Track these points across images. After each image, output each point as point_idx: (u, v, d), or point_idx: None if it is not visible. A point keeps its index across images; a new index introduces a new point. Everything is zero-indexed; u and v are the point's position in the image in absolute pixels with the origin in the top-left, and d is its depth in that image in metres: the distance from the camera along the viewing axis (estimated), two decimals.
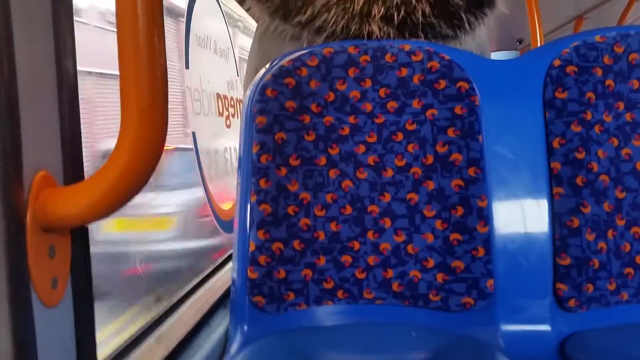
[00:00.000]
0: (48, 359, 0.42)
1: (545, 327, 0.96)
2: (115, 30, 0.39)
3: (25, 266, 0.40)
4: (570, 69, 1.02)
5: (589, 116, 1.01)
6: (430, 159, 1.01)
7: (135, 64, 0.38)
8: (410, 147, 1.02)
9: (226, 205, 1.67)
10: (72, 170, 0.45)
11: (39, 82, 0.42)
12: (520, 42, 4.40)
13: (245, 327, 0.96)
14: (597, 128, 1.02)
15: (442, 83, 1.02)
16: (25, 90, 0.40)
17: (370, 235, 1.00)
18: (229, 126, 1.81)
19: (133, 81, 0.39)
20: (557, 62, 1.03)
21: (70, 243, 0.45)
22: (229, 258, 1.17)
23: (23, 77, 0.40)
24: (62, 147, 0.44)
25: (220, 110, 1.74)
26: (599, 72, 1.03)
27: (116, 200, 0.41)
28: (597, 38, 1.04)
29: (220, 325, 1.01)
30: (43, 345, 0.42)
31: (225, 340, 0.98)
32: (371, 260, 0.99)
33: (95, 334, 0.50)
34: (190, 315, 1.00)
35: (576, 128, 1.01)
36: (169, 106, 0.41)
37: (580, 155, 1.00)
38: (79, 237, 0.46)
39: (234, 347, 0.92)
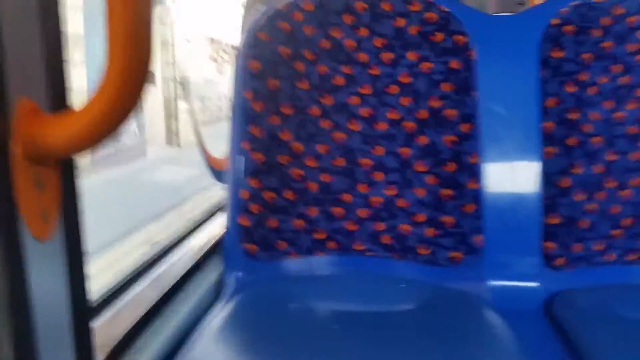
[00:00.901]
0: (40, 292, 0.42)
1: (533, 284, 0.98)
2: None
3: (13, 198, 0.39)
4: (567, 28, 1.01)
5: (584, 77, 1.00)
6: (423, 114, 1.00)
7: None
8: (404, 101, 1.01)
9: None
10: (58, 99, 0.44)
11: (20, 7, 0.41)
12: (521, 4, 4.31)
13: (239, 274, 0.97)
14: (591, 89, 1.01)
15: (439, 35, 1.00)
16: (7, 16, 0.38)
17: (361, 188, 1.00)
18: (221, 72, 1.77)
19: (119, 11, 0.37)
20: (555, 21, 1.01)
21: (58, 176, 0.44)
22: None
23: (6, 2, 0.38)
24: (47, 75, 0.43)
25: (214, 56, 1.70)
26: (596, 33, 1.01)
27: (104, 130, 0.40)
28: None
29: (213, 271, 1.03)
30: (35, 280, 0.41)
31: (219, 286, 0.99)
32: (362, 212, 1.00)
33: (84, 267, 0.50)
34: (184, 261, 1.01)
35: (571, 88, 1.00)
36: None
37: (574, 116, 1.00)
38: (68, 170, 0.46)
39: (227, 292, 0.93)
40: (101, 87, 0.39)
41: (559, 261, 0.98)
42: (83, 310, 0.49)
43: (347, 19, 1.01)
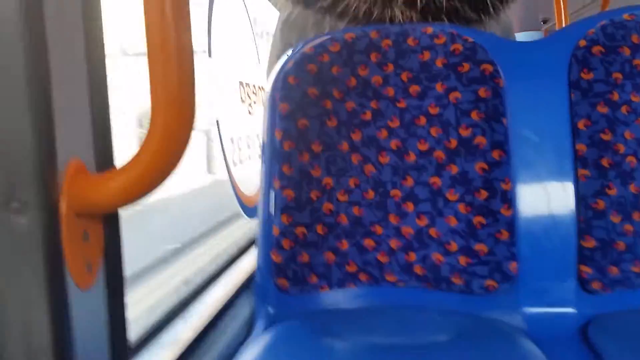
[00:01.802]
0: (83, 340, 0.44)
1: (569, 310, 0.96)
2: None
3: (60, 251, 0.41)
4: (596, 49, 1.00)
5: (615, 97, 1.00)
6: (453, 143, 1.00)
7: (163, 52, 0.39)
8: (433, 131, 1.02)
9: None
10: (104, 157, 0.46)
11: (70, 73, 0.44)
12: (545, 22, 4.31)
13: (270, 309, 0.98)
14: (624, 109, 1.00)
15: (466, 66, 1.02)
16: (58, 81, 0.41)
17: (392, 219, 1.01)
18: (250, 113, 1.83)
19: (161, 69, 0.40)
20: (582, 43, 1.01)
21: (102, 228, 0.47)
22: (253, 243, 1.19)
23: (54, 65, 0.41)
24: (94, 136, 0.45)
25: (243, 98, 1.75)
26: (626, 51, 1.00)
27: (146, 186, 0.42)
28: (626, 16, 1.02)
29: (244, 307, 1.04)
30: (78, 327, 0.43)
31: (251, 321, 1.00)
32: (393, 244, 1.00)
33: (125, 314, 0.52)
34: (216, 298, 1.03)
35: (602, 109, 0.99)
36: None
37: (607, 137, 0.99)
38: (111, 222, 0.48)
39: (258, 327, 0.94)
40: (144, 146, 0.41)
41: (595, 285, 0.96)
42: (124, 356, 0.50)
43: (373, 57, 1.04)
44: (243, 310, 1.03)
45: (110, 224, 0.48)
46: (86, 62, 0.45)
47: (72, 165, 0.42)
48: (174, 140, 0.41)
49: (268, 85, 1.06)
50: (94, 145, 0.45)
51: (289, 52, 1.06)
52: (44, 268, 0.40)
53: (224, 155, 1.51)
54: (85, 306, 0.45)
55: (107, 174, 0.44)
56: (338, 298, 0.99)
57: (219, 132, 1.49)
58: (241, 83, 1.72)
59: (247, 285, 1.11)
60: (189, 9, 0.40)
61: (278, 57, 1.10)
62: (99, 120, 0.46)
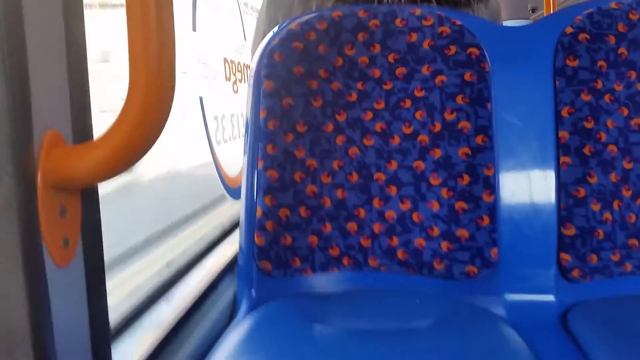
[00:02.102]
0: (61, 318, 0.43)
1: (549, 297, 0.97)
2: None
3: (37, 225, 0.40)
4: (582, 36, 1.00)
5: (599, 85, 1.00)
6: (437, 127, 1.00)
7: (143, 22, 0.38)
8: (418, 114, 1.01)
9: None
10: (81, 129, 0.45)
11: (47, 43, 0.42)
12: (533, 11, 4.31)
13: (253, 292, 0.97)
14: (607, 97, 1.00)
15: (453, 49, 1.01)
16: (34, 51, 0.40)
17: (376, 202, 1.00)
18: (236, 91, 1.80)
19: (140, 38, 0.38)
20: (569, 30, 1.01)
21: (80, 203, 0.45)
22: (237, 225, 1.18)
23: (31, 37, 0.40)
24: (71, 107, 0.44)
25: (228, 75, 1.72)
26: (612, 39, 1.01)
27: (125, 159, 0.41)
28: (613, 5, 1.02)
29: (227, 289, 1.03)
30: (56, 304, 0.42)
31: (234, 304, 0.99)
32: (376, 228, 1.00)
33: (105, 292, 0.51)
34: (199, 280, 1.02)
35: (586, 97, 1.00)
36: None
37: (589, 125, 0.99)
38: (89, 197, 0.47)
39: (242, 310, 0.94)
40: (122, 117, 0.40)
41: (575, 273, 0.97)
42: (104, 335, 0.50)
43: (360, 36, 1.02)
44: (226, 293, 1.03)
45: (89, 199, 0.47)
46: (64, 32, 0.44)
47: (48, 137, 0.41)
48: (153, 111, 0.39)
49: (253, 63, 1.04)
50: (72, 117, 0.44)
51: (275, 29, 1.04)
52: (20, 242, 0.39)
53: (207, 134, 1.49)
54: (63, 283, 0.44)
55: (85, 146, 0.43)
56: (321, 282, 0.99)
57: (202, 110, 1.47)
58: (225, 60, 1.70)
59: (229, 268, 1.10)
60: None
61: (264, 34, 1.08)
62: (77, 91, 0.44)
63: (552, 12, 2.61)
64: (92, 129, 0.47)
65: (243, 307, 0.95)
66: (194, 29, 1.46)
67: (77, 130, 0.45)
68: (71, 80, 0.44)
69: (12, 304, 0.40)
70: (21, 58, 0.39)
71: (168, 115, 0.41)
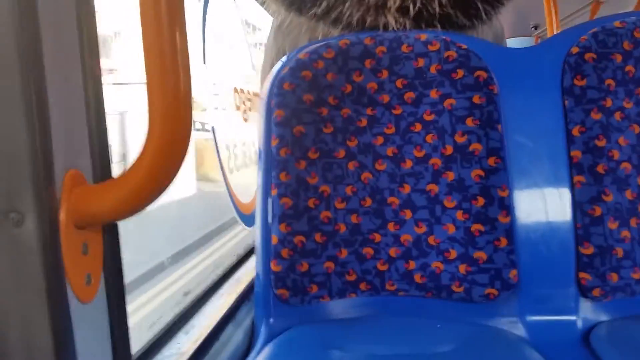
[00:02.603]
0: (85, 353, 0.44)
1: (570, 317, 0.96)
2: None
3: (61, 263, 0.41)
4: (588, 55, 1.01)
5: (609, 103, 1.00)
6: (449, 150, 1.01)
7: (160, 65, 0.39)
8: (429, 138, 1.02)
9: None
10: (101, 168, 0.46)
11: (66, 85, 0.44)
12: (535, 28, 4.34)
13: (271, 320, 0.97)
14: (617, 115, 1.00)
15: (460, 72, 1.02)
16: (54, 93, 0.41)
17: (390, 227, 1.00)
18: (246, 120, 1.82)
19: (158, 81, 0.40)
20: (575, 50, 1.02)
21: (102, 239, 0.46)
22: (252, 252, 1.19)
23: (51, 80, 0.41)
24: (91, 147, 0.45)
25: (238, 104, 1.75)
26: (618, 58, 1.01)
27: (145, 197, 0.42)
28: (617, 24, 1.03)
29: (246, 318, 1.03)
30: (80, 340, 0.43)
31: (252, 333, 0.99)
32: (392, 252, 1.00)
33: (127, 326, 0.51)
34: (216, 309, 1.02)
35: (596, 115, 1.00)
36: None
37: (601, 143, 0.99)
38: (110, 233, 0.47)
39: (260, 339, 0.94)
40: (142, 156, 0.41)
41: (596, 292, 0.96)
42: None
43: (368, 63, 1.04)
44: (244, 322, 1.02)
45: (110, 236, 0.47)
46: (82, 74, 0.45)
47: (70, 176, 0.42)
48: (171, 150, 0.40)
49: (263, 92, 1.06)
50: (91, 156, 0.45)
51: (283, 58, 1.06)
52: (44, 280, 0.40)
53: (220, 162, 1.50)
54: (87, 319, 0.45)
55: (105, 184, 0.44)
56: (339, 308, 0.99)
57: (215, 139, 1.49)
58: (235, 89, 1.72)
59: (246, 296, 1.10)
60: (184, 19, 0.40)
61: (272, 64, 1.10)
62: (96, 131, 0.46)
63: (555, 29, 2.62)
64: (110, 167, 0.48)
65: (262, 336, 0.94)
66: (204, 62, 1.49)
67: (97, 169, 0.46)
68: (90, 120, 0.45)
69: (38, 340, 0.40)
70: (42, 100, 0.40)
71: (186, 152, 0.42)
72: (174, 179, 0.42)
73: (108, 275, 0.47)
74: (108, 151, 0.47)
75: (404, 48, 1.04)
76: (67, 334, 0.41)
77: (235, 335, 0.97)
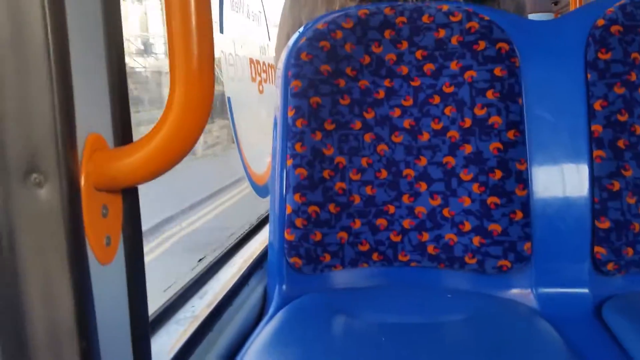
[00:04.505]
0: (104, 313, 0.45)
1: (582, 290, 0.96)
2: None
3: (81, 225, 0.42)
4: (615, 28, 0.99)
5: (633, 77, 0.98)
6: (468, 122, 1.00)
7: (182, 27, 0.39)
8: (447, 110, 1.01)
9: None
10: (122, 132, 0.46)
11: (88, 50, 0.44)
12: (555, 4, 4.22)
13: (283, 287, 0.98)
14: None
15: (482, 44, 1.00)
16: (77, 59, 0.41)
17: (405, 199, 1.00)
18: (261, 91, 1.82)
19: (181, 45, 0.40)
20: (600, 22, 0.99)
21: (121, 203, 0.47)
22: (266, 220, 1.20)
23: (74, 45, 0.41)
24: (112, 111, 0.45)
25: (253, 76, 1.74)
26: None
27: (165, 161, 0.42)
28: None
29: (258, 285, 1.05)
30: (99, 300, 0.44)
31: (264, 300, 1.01)
32: (406, 223, 1.00)
33: (145, 289, 0.52)
34: (231, 276, 1.04)
35: (619, 90, 0.98)
36: None
37: (623, 118, 0.97)
38: (130, 197, 0.48)
39: (273, 305, 0.95)
40: (162, 120, 0.41)
41: (610, 266, 0.96)
42: (144, 330, 0.51)
43: (387, 34, 1.02)
44: (257, 288, 1.04)
45: (129, 199, 0.48)
46: (104, 39, 0.45)
47: (91, 140, 0.43)
48: (192, 114, 0.40)
49: (279, 63, 1.05)
50: (112, 121, 0.45)
51: (301, 29, 1.05)
52: (65, 242, 0.41)
53: (235, 133, 1.51)
54: (106, 280, 0.46)
55: (125, 148, 0.44)
56: (351, 277, 1.00)
57: (230, 112, 1.49)
58: (251, 60, 1.71)
59: (259, 264, 1.11)
60: None
61: (288, 35, 1.09)
62: (117, 96, 0.46)
63: (577, 4, 2.56)
64: (131, 132, 0.48)
65: (274, 303, 0.96)
66: (221, 31, 1.48)
67: (118, 133, 0.46)
68: (111, 85, 0.46)
69: (58, 301, 0.41)
70: (65, 66, 0.40)
71: (207, 117, 0.42)
72: (194, 145, 0.42)
73: (127, 238, 0.48)
74: (129, 116, 0.48)
75: (425, 19, 1.02)
76: (87, 294, 0.42)
77: (248, 301, 0.99)
